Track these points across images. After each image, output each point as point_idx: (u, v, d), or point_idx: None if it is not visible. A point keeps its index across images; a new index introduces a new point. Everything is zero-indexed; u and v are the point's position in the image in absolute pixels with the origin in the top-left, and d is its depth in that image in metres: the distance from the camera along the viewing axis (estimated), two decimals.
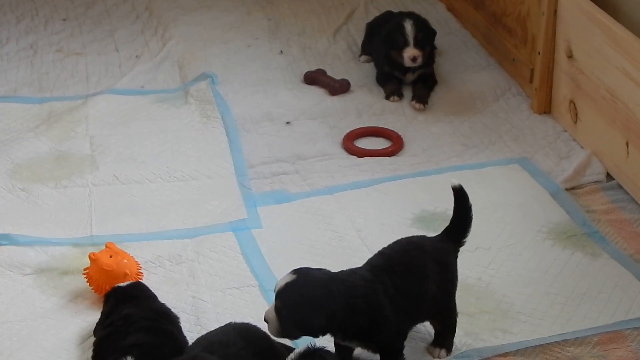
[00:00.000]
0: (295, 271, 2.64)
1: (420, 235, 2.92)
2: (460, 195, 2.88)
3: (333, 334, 2.68)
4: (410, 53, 4.15)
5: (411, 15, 4.29)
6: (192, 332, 2.90)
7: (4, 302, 3.07)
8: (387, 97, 4.24)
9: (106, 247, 3.12)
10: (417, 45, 4.15)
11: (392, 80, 4.28)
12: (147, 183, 3.66)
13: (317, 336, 2.65)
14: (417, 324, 2.86)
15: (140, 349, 2.65)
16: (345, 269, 3.07)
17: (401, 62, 4.17)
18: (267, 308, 2.66)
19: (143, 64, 4.55)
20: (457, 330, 2.92)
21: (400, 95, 4.24)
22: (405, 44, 4.16)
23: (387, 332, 2.68)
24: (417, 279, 2.75)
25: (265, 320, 2.62)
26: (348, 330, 2.66)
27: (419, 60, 4.16)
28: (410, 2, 5.05)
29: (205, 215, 3.49)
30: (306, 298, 2.58)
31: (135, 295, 2.89)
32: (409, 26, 4.15)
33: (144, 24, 4.95)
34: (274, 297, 2.62)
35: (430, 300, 2.77)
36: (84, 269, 3.09)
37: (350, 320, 2.63)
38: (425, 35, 4.21)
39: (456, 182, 2.87)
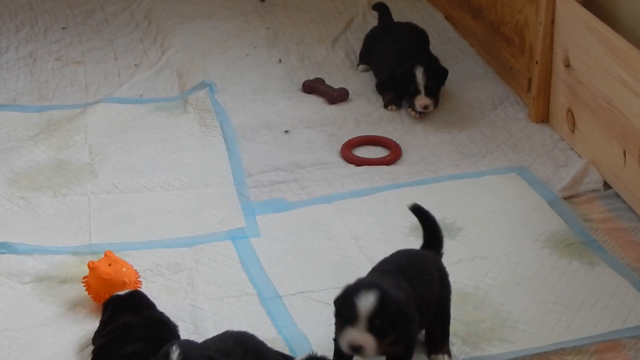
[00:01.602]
0: (367, 286, 2.62)
1: (417, 249, 2.96)
2: (420, 214, 2.96)
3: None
4: (422, 102, 4.14)
5: (422, 59, 4.22)
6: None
7: (3, 310, 3.08)
8: (385, 106, 4.25)
9: (105, 255, 3.13)
10: (428, 93, 4.14)
11: (391, 89, 4.29)
12: (146, 192, 3.67)
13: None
14: (422, 329, 2.88)
15: (139, 358, 2.66)
16: (343, 277, 3.11)
17: (413, 107, 4.18)
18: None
19: (142, 72, 4.56)
20: (455, 339, 2.93)
21: (399, 105, 4.25)
22: (417, 92, 4.15)
23: (410, 333, 2.70)
24: (426, 282, 2.80)
25: (355, 349, 2.59)
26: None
27: (430, 108, 4.16)
28: (408, 12, 5.07)
29: (204, 224, 3.49)
30: (402, 302, 2.62)
31: (134, 303, 2.89)
32: (420, 74, 4.13)
33: (143, 32, 4.96)
34: (361, 321, 2.58)
35: (436, 304, 2.82)
36: (83, 278, 3.10)
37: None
38: (436, 83, 4.19)
39: (411, 204, 2.95)
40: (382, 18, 4.73)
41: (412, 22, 4.70)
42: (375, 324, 2.59)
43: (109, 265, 3.07)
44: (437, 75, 4.21)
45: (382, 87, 4.34)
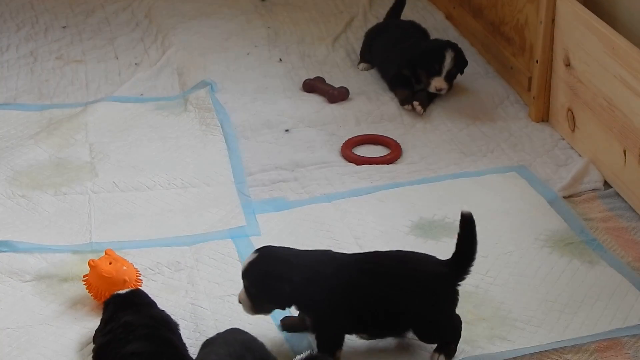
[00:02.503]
0: (257, 250, 2.81)
1: (433, 259, 2.85)
2: (465, 223, 2.78)
3: (296, 305, 2.80)
4: (438, 84, 4.19)
5: (452, 45, 4.28)
6: (190, 338, 2.91)
7: (4, 308, 3.08)
8: (402, 104, 4.24)
9: (106, 253, 3.13)
10: (447, 78, 4.20)
11: (406, 85, 4.28)
12: (147, 190, 3.67)
13: (285, 308, 2.81)
14: (389, 332, 2.87)
15: (140, 358, 2.66)
16: None
17: (426, 85, 4.20)
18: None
19: (142, 71, 4.56)
20: None
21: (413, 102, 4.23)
22: (438, 73, 4.19)
23: (317, 316, 2.79)
24: (393, 287, 2.76)
25: (240, 302, 2.81)
26: (306, 304, 2.79)
27: (443, 92, 4.20)
28: (409, 11, 5.06)
29: (204, 223, 3.50)
30: (268, 271, 2.74)
31: (135, 302, 2.89)
32: (449, 58, 4.19)
33: (143, 31, 4.96)
34: (242, 278, 2.79)
35: (407, 315, 2.78)
36: (84, 276, 3.10)
37: (307, 294, 2.74)
38: (457, 70, 4.26)
39: (467, 210, 2.78)
40: (393, 14, 4.73)
41: (413, 20, 4.70)
42: (245, 283, 2.77)
43: (110, 263, 3.08)
44: (461, 63, 4.27)
45: (396, 82, 4.32)
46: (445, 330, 2.86)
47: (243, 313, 3.05)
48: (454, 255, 2.83)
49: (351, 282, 2.75)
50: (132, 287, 3.04)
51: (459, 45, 4.34)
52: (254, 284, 2.76)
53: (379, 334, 2.89)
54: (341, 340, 2.82)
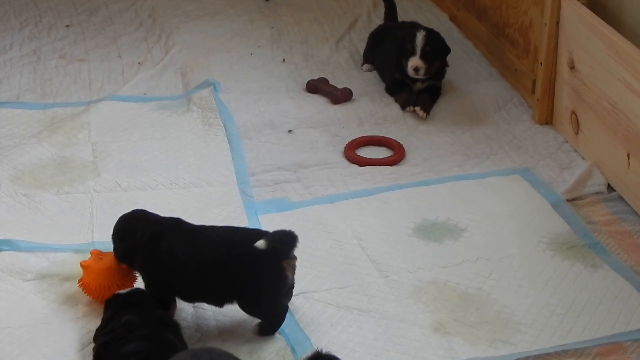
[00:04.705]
0: (134, 209, 3.08)
1: (262, 236, 2.93)
2: None
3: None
4: (413, 63, 4.17)
5: (426, 28, 4.29)
6: (192, 339, 2.91)
7: (5, 307, 3.08)
8: (403, 108, 4.22)
9: (91, 254, 3.09)
10: (422, 56, 4.16)
11: (403, 89, 4.27)
12: (149, 190, 3.67)
13: (129, 265, 3.02)
14: (213, 302, 2.96)
15: (139, 357, 2.65)
16: (346, 277, 3.11)
17: (406, 70, 4.19)
18: None
19: (146, 71, 4.56)
20: (457, 339, 2.93)
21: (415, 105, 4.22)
22: (412, 53, 4.17)
23: (146, 277, 2.98)
24: (210, 261, 2.88)
25: None
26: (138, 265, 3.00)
27: (421, 72, 4.17)
28: (413, 13, 5.06)
29: (207, 223, 3.47)
30: (119, 228, 3.03)
31: (136, 302, 2.88)
32: (419, 37, 4.17)
33: (147, 31, 4.96)
34: None
35: (229, 289, 2.89)
36: (79, 280, 3.06)
37: (136, 256, 2.96)
38: (434, 49, 4.21)
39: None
40: (388, 14, 4.73)
41: (416, 22, 4.70)
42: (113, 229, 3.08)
43: (101, 259, 3.05)
44: (437, 44, 4.23)
45: (394, 88, 4.32)
46: (266, 308, 2.92)
47: (243, 314, 3.06)
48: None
49: (172, 252, 2.90)
50: (129, 274, 3.03)
51: (459, 46, 4.34)
52: (113, 234, 3.04)
53: (205, 302, 3.00)
54: (168, 303, 2.96)
